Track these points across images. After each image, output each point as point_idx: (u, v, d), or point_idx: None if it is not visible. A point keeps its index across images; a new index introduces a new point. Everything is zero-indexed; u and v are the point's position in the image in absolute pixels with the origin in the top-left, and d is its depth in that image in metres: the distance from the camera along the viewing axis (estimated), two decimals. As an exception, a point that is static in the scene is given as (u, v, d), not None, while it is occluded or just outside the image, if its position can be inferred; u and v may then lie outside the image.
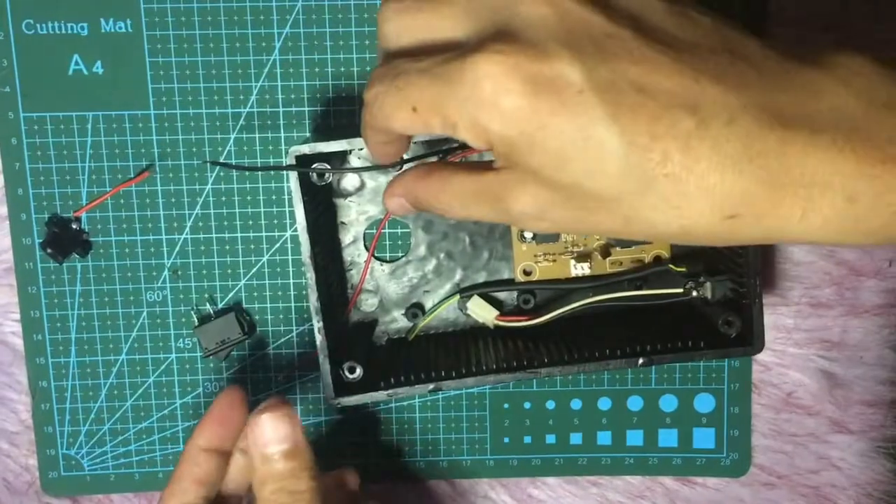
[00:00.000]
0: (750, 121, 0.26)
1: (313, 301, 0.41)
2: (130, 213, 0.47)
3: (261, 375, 0.49)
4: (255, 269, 0.48)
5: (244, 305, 0.49)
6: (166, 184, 0.47)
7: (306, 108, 0.47)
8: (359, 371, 0.43)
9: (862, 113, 0.27)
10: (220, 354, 0.47)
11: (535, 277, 0.47)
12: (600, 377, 0.50)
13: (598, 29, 0.27)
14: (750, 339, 0.42)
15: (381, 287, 0.48)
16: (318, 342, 0.42)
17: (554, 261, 0.47)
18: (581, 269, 0.47)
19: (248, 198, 0.48)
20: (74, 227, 0.47)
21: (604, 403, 0.50)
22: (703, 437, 0.50)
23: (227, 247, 0.48)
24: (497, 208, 0.30)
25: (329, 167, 0.41)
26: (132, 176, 0.47)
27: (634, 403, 0.50)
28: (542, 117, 0.27)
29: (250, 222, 0.48)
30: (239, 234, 0.48)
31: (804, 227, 0.27)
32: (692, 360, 0.43)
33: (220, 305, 0.48)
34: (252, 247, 0.48)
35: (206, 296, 0.48)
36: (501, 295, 0.49)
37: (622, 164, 0.27)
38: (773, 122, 0.27)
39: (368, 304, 0.49)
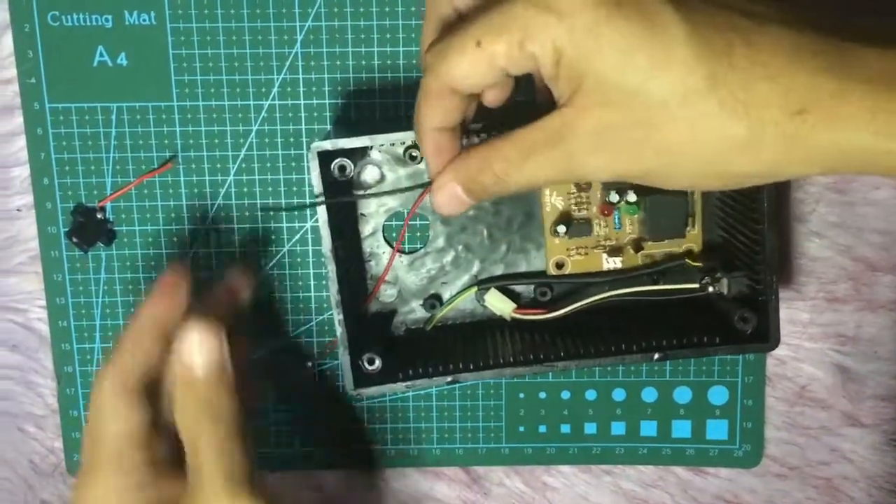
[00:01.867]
0: (805, 26, 0.27)
1: (334, 293, 0.42)
2: (154, 203, 0.48)
3: (281, 363, 0.50)
4: (276, 259, 0.49)
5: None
6: (189, 175, 0.47)
7: (327, 101, 0.47)
8: (378, 363, 0.43)
9: None
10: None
11: (567, 271, 0.47)
12: (615, 369, 0.50)
13: None
14: (765, 336, 0.42)
15: (399, 278, 0.49)
16: (338, 335, 0.42)
17: (586, 254, 0.47)
18: (613, 263, 0.47)
19: (270, 189, 0.48)
20: (99, 216, 0.47)
21: (618, 394, 0.50)
22: (717, 429, 0.50)
23: (249, 237, 0.48)
24: (556, 152, 0.30)
25: (350, 164, 0.41)
26: (155, 167, 0.47)
27: (649, 395, 0.50)
28: (608, 7, 0.27)
29: (271, 213, 0.48)
30: (260, 225, 0.48)
31: (874, 133, 0.27)
32: (707, 355, 0.43)
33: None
34: (273, 237, 0.48)
35: None
36: (518, 287, 0.49)
37: (688, 52, 0.27)
38: (827, 31, 0.27)
39: (387, 294, 0.49)
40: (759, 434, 0.50)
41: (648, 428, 0.50)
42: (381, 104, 0.47)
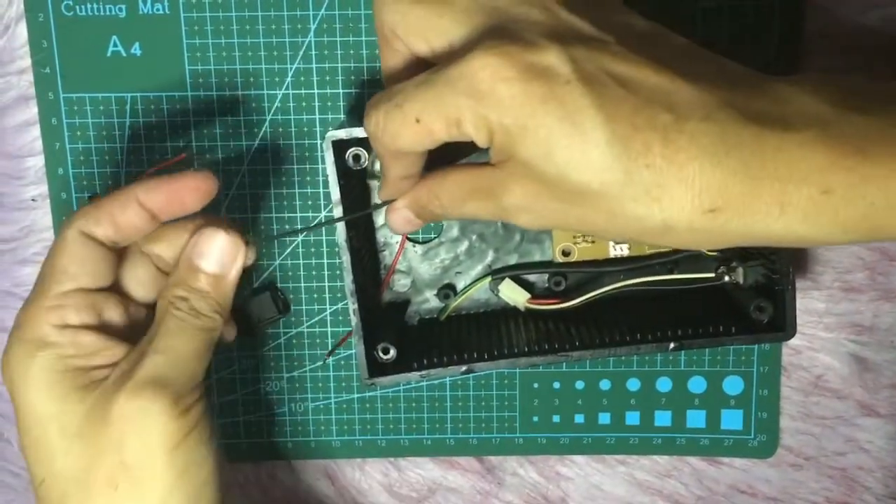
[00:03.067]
0: (725, 117, 0.28)
1: (348, 283, 0.42)
2: None
3: (295, 353, 0.50)
4: (289, 249, 0.49)
5: (279, 285, 0.49)
6: (202, 165, 0.47)
7: (341, 91, 0.47)
8: (392, 352, 0.43)
9: (833, 115, 0.28)
10: (251, 331, 0.48)
11: (573, 258, 0.47)
12: (629, 359, 0.50)
13: (586, 32, 0.30)
14: (782, 325, 0.42)
15: (413, 268, 0.49)
16: (353, 324, 0.42)
17: (592, 242, 0.47)
18: (620, 250, 0.47)
19: (283, 179, 0.48)
20: None
21: (633, 384, 0.50)
22: (732, 419, 0.50)
23: (263, 227, 0.48)
24: (490, 203, 0.32)
25: (365, 153, 0.41)
26: (169, 157, 0.47)
27: (663, 385, 0.50)
28: (534, 104, 0.28)
29: (285, 203, 0.48)
30: (274, 215, 0.48)
31: (785, 224, 0.28)
32: (723, 345, 0.43)
33: (254, 284, 0.48)
34: (286, 227, 0.48)
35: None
36: (532, 277, 0.49)
37: (605, 152, 0.28)
38: (747, 120, 0.28)
39: (401, 284, 0.49)
40: (774, 424, 0.50)
41: (663, 418, 0.50)
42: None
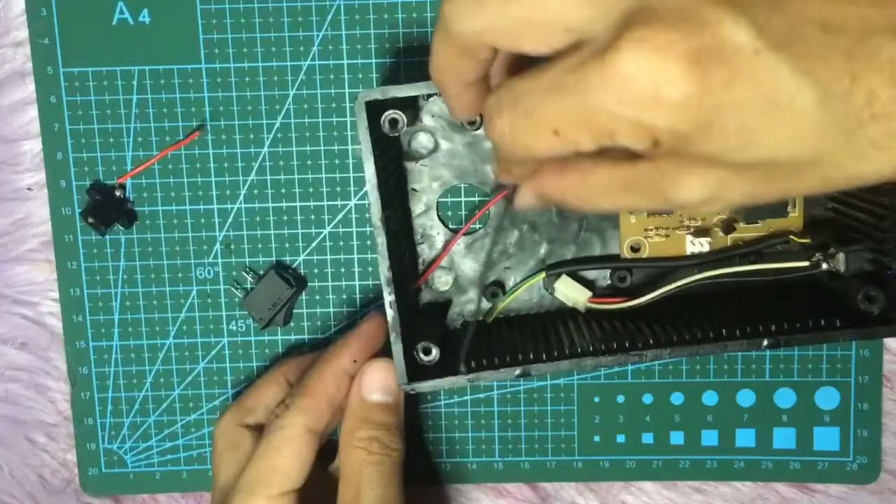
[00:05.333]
0: None
1: (384, 270, 0.37)
2: (179, 180, 0.44)
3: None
4: (316, 243, 0.45)
5: (301, 271, 0.45)
6: (219, 146, 0.44)
7: (373, 60, 0.43)
8: (435, 353, 0.39)
9: None
10: (277, 320, 0.45)
11: (644, 254, 0.43)
12: (706, 368, 0.46)
13: None
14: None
15: (456, 263, 0.44)
16: (389, 318, 0.38)
17: (667, 236, 0.43)
18: (700, 246, 0.43)
19: (309, 162, 0.44)
20: (118, 194, 0.44)
21: (710, 398, 0.46)
22: (826, 438, 0.46)
23: (286, 217, 0.45)
24: (654, 197, 0.27)
25: (403, 117, 0.36)
26: (181, 138, 0.44)
27: (745, 398, 0.46)
28: (717, 96, 0.23)
29: (311, 190, 0.44)
30: (298, 204, 0.45)
31: None
32: (827, 341, 0.38)
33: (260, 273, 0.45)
34: (313, 217, 0.45)
35: (245, 268, 0.45)
36: (592, 273, 0.45)
37: (821, 120, 0.24)
38: None
39: (442, 281, 0.44)
40: (876, 444, 0.46)
41: (745, 437, 0.46)
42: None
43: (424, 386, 0.38)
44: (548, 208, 0.34)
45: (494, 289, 0.44)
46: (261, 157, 0.44)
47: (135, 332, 0.45)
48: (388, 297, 0.38)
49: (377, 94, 0.36)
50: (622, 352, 0.38)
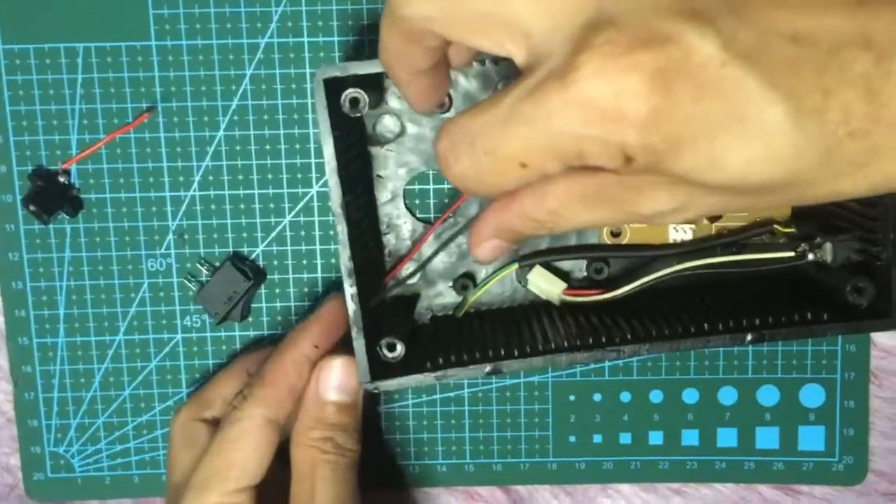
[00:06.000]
0: None
1: (345, 261, 0.36)
2: (128, 165, 0.42)
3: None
4: (275, 233, 0.43)
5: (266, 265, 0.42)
6: (171, 130, 0.42)
7: (336, 38, 0.42)
8: (400, 349, 0.37)
9: None
10: (234, 314, 0.43)
11: (625, 240, 0.42)
12: (686, 365, 0.45)
13: None
14: (887, 310, 0.36)
15: (423, 254, 0.43)
16: (350, 312, 0.36)
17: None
18: (682, 234, 0.41)
19: (268, 147, 0.43)
20: (62, 180, 0.42)
21: (690, 396, 0.45)
22: (811, 437, 0.45)
23: (243, 206, 0.43)
24: (620, 210, 0.27)
25: (365, 96, 0.34)
26: (130, 120, 0.42)
27: (727, 396, 0.45)
28: (683, 109, 0.23)
29: (269, 176, 0.43)
30: (256, 191, 0.43)
31: None
32: (813, 336, 0.38)
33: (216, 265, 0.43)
34: (272, 206, 0.43)
35: (199, 260, 0.43)
36: (567, 265, 0.43)
37: (794, 138, 0.23)
38: None
39: (409, 274, 0.42)
40: (862, 444, 0.45)
41: (727, 437, 0.45)
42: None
43: (389, 384, 0.37)
44: (510, 251, 0.35)
45: (465, 281, 0.42)
46: (216, 142, 0.42)
47: (82, 328, 0.43)
48: (350, 290, 0.36)
49: (336, 70, 0.34)
50: (598, 347, 0.37)
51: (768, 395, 0.45)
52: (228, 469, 0.36)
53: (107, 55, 0.41)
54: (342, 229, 0.35)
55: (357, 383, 0.38)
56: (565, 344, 0.37)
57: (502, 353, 0.37)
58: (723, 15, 0.22)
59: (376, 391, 0.37)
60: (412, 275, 0.42)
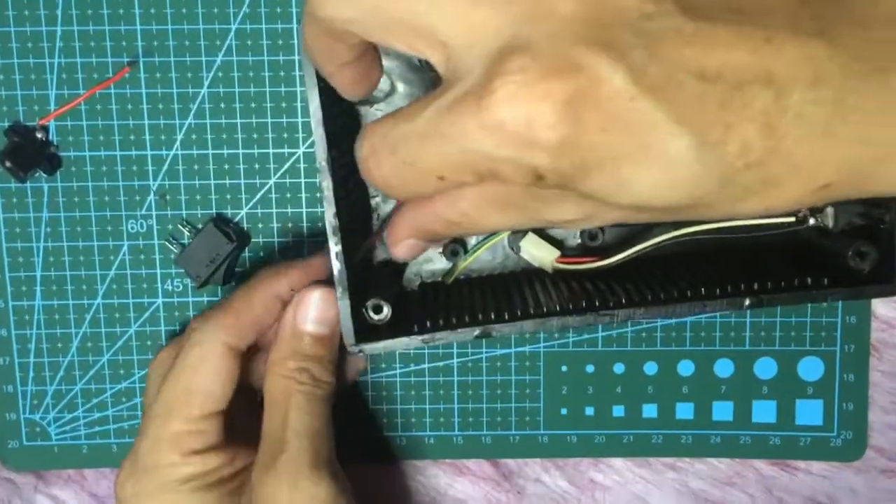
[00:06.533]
0: (838, 72, 0.24)
1: (330, 217, 0.35)
2: (108, 122, 0.42)
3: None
4: (260, 195, 0.42)
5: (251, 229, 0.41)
6: (153, 85, 0.41)
7: None
8: (386, 311, 0.36)
9: None
10: (216, 278, 0.42)
11: None
12: (681, 335, 0.44)
13: (635, 11, 0.24)
14: (889, 276, 0.36)
15: None
16: (335, 272, 0.35)
17: None
18: None
19: (253, 105, 0.42)
20: (40, 137, 0.41)
21: (685, 367, 0.45)
22: (809, 412, 0.45)
23: (227, 166, 0.42)
24: (529, 217, 0.29)
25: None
26: (111, 75, 0.41)
27: (723, 368, 0.44)
28: (592, 137, 0.24)
29: (255, 136, 0.42)
30: (241, 151, 0.42)
31: None
32: (813, 301, 0.36)
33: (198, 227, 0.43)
34: (257, 166, 0.42)
35: (181, 221, 0.42)
36: (561, 231, 0.42)
37: (695, 169, 0.24)
38: (867, 69, 0.24)
39: None
40: (862, 419, 0.45)
41: (722, 411, 0.45)
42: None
43: (374, 347, 0.36)
44: (427, 250, 0.35)
45: (455, 247, 0.42)
46: (199, 99, 0.41)
47: (59, 290, 0.42)
48: (335, 248, 0.35)
49: None
50: (591, 311, 0.36)
51: (766, 368, 0.44)
52: (190, 395, 0.36)
53: (87, 7, 0.40)
54: (327, 185, 0.34)
55: (335, 315, 0.37)
56: (557, 308, 0.36)
57: (492, 316, 0.36)
58: (635, 49, 0.23)
59: (360, 354, 0.36)
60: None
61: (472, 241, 0.42)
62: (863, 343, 0.44)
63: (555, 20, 0.24)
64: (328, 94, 0.35)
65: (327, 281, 0.37)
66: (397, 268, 0.42)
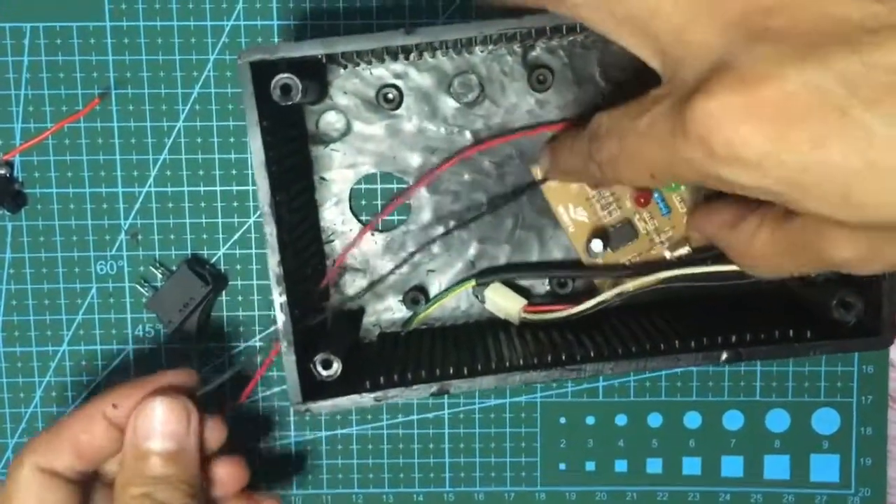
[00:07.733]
0: None
1: (273, 266, 0.34)
2: (77, 157, 0.41)
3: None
4: (238, 235, 0.42)
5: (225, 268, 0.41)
6: (125, 119, 0.41)
7: (308, 22, 0.40)
8: (336, 366, 0.35)
9: None
10: (190, 323, 0.41)
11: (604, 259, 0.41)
12: (688, 385, 0.44)
13: (841, 16, 0.24)
14: (876, 328, 0.35)
15: (371, 265, 0.41)
16: (279, 324, 0.35)
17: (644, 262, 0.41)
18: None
19: (231, 140, 0.41)
20: (3, 173, 0.41)
21: (692, 420, 0.44)
22: (824, 467, 0.44)
23: (203, 204, 0.42)
24: (811, 258, 0.29)
25: (298, 82, 0.33)
26: (80, 107, 0.41)
27: (732, 420, 0.44)
28: (802, 157, 0.24)
29: (233, 172, 0.41)
30: (218, 188, 0.41)
31: None
32: (796, 355, 0.37)
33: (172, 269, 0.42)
34: (235, 205, 0.42)
35: (153, 263, 0.42)
36: (529, 279, 0.41)
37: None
38: None
39: (355, 286, 0.41)
40: (881, 475, 0.44)
41: (732, 466, 0.44)
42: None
43: (322, 406, 0.35)
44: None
45: (416, 294, 0.41)
46: (174, 133, 0.41)
47: (22, 336, 0.42)
48: (279, 299, 0.34)
49: (264, 52, 0.32)
50: (557, 366, 0.36)
51: (778, 420, 0.44)
52: None
53: (56, 36, 0.40)
54: (271, 231, 0.34)
55: (185, 426, 0.35)
56: (521, 362, 0.36)
57: (451, 371, 0.36)
58: (844, 57, 0.23)
59: (307, 413, 0.35)
60: (364, 292, 0.40)
61: (435, 289, 0.41)
62: (881, 394, 0.43)
63: (768, 38, 0.25)
64: (273, 133, 0.35)
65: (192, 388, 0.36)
66: (353, 318, 0.41)
